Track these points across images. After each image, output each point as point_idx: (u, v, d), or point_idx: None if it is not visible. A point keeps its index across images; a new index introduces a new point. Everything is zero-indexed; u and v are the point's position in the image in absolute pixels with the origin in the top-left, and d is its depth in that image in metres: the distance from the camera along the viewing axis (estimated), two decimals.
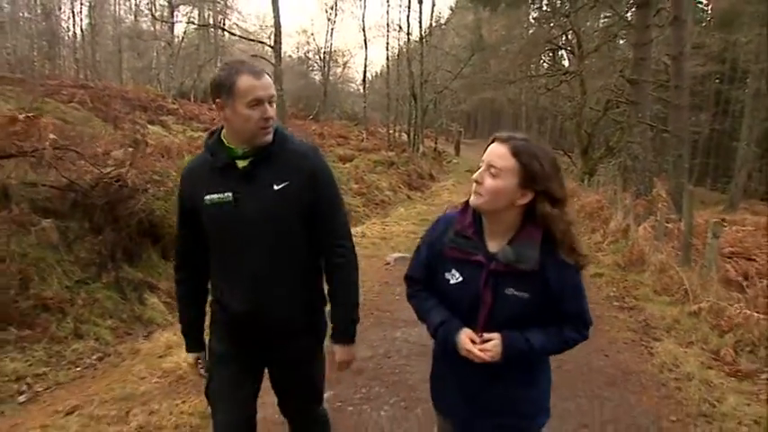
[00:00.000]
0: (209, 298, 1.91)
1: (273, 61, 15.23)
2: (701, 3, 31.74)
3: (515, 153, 1.46)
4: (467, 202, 1.59)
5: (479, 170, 1.51)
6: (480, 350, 1.50)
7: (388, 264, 6.56)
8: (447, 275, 1.58)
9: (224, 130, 1.76)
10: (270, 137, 1.72)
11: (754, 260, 5.49)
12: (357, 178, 14.38)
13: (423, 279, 1.69)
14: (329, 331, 1.85)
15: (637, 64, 12.83)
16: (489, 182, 1.48)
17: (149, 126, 15.28)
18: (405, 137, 26.73)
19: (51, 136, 4.74)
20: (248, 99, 1.65)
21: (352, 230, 6.78)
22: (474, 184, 1.52)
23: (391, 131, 26.26)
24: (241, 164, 1.72)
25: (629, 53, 14.79)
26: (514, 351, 1.50)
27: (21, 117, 4.88)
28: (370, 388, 3.31)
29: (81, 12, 34.60)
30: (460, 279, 1.56)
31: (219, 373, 1.83)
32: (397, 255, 6.90)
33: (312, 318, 1.85)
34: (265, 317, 1.75)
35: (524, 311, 1.51)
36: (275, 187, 1.70)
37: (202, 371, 1.92)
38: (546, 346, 1.54)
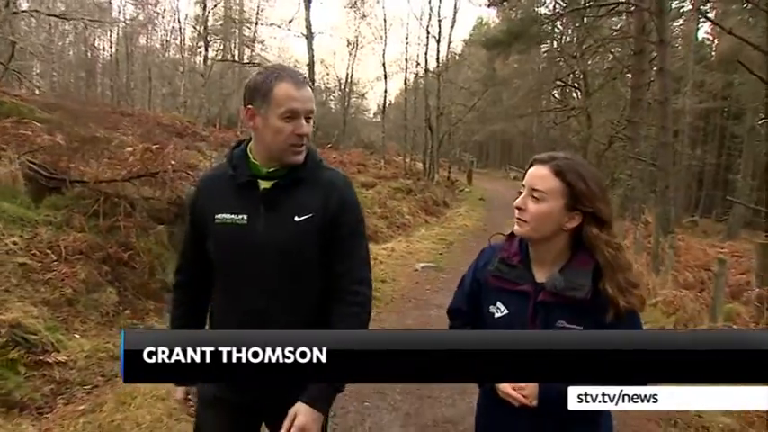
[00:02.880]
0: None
1: None
2: (708, 41, 33.40)
3: (558, 173, 1.36)
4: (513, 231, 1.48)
5: (520, 196, 1.42)
6: (516, 390, 1.37)
7: (417, 270, 8.00)
8: (491, 309, 1.46)
9: (252, 143, 1.59)
10: (301, 157, 1.53)
11: (711, 270, 6.85)
12: (380, 203, 15.84)
13: (466, 312, 1.57)
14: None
15: (633, 104, 14.42)
16: (533, 207, 1.37)
17: (186, 151, 16.97)
18: (420, 165, 28.29)
19: (172, 162, 6.27)
20: (283, 109, 1.47)
21: (382, 247, 8.38)
22: (516, 211, 1.41)
23: (408, 160, 27.88)
24: (263, 185, 1.54)
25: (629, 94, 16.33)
26: (552, 392, 1.29)
27: (153, 147, 6.44)
28: None
29: (116, 42, 37.00)
30: (506, 312, 1.43)
31: (206, 421, 1.66)
32: (423, 264, 8.36)
33: None
34: None
35: None
36: (296, 219, 1.51)
37: (193, 407, 1.69)
38: None
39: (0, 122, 7.08)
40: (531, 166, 1.44)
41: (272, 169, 1.55)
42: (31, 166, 6.88)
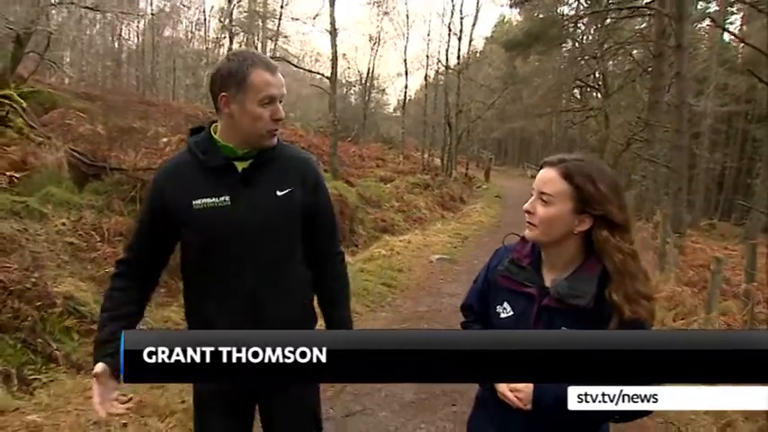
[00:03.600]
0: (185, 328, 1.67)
1: (330, 91, 17.29)
2: (734, 44, 33.05)
3: (566, 175, 1.35)
4: None
5: (530, 199, 1.41)
6: (513, 391, 1.38)
7: (432, 262, 8.37)
8: (498, 309, 1.47)
9: (218, 128, 1.60)
10: (275, 140, 1.59)
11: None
12: (398, 197, 16.20)
13: (478, 310, 1.59)
14: None
15: (651, 106, 14.57)
16: (542, 210, 1.37)
17: None
18: (438, 161, 28.56)
19: None
20: (261, 96, 1.51)
21: (398, 239, 8.81)
22: (526, 215, 1.41)
23: (426, 156, 28.17)
24: (240, 165, 1.58)
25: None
26: (547, 396, 1.32)
27: (174, 139, 6.88)
28: (428, 327, 5.11)
29: (142, 32, 37.69)
30: (511, 313, 1.44)
31: (209, 421, 1.69)
32: (437, 256, 8.72)
33: None
34: None
35: None
36: (278, 193, 1.58)
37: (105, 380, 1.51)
38: None
39: (48, 113, 7.57)
40: (540, 168, 1.42)
41: (246, 150, 1.58)
42: (74, 153, 7.39)
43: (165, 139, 7.11)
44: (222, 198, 1.54)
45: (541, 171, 1.41)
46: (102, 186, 7.00)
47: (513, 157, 56.14)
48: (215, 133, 1.60)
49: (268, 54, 32.61)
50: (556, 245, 1.39)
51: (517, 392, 1.37)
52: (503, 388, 1.39)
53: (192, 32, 39.78)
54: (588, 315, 1.31)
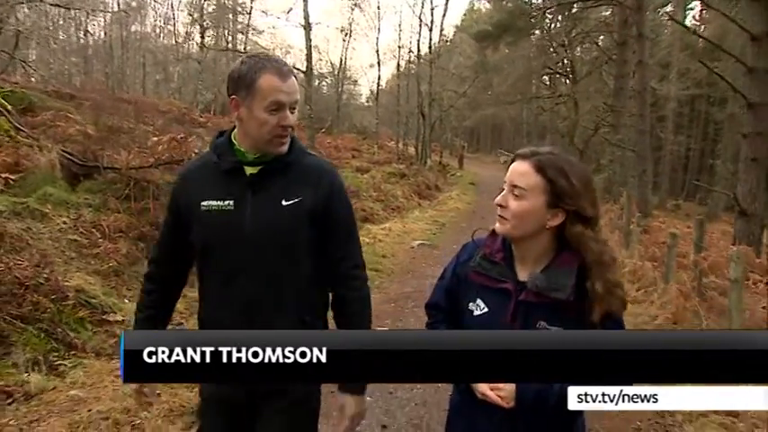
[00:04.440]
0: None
1: (305, 85, 17.54)
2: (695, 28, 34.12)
3: (539, 168, 1.34)
4: None
5: (502, 193, 1.40)
6: (493, 390, 1.35)
7: (413, 247, 8.83)
8: (471, 306, 1.44)
9: (235, 131, 1.60)
10: (285, 147, 1.55)
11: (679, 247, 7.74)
12: (375, 187, 16.59)
13: (445, 308, 1.56)
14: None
15: (617, 92, 15.23)
16: (514, 204, 1.35)
17: (208, 139, 17.64)
18: (412, 150, 28.99)
19: (195, 150, 7.00)
20: (268, 101, 1.48)
21: (379, 227, 9.27)
22: (498, 209, 1.39)
23: (400, 145, 28.58)
24: (249, 170, 1.56)
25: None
26: (529, 393, 1.32)
27: (178, 137, 7.16)
28: (415, 306, 5.55)
29: (108, 27, 37.10)
30: (486, 310, 1.41)
31: (208, 419, 1.70)
32: (418, 242, 9.19)
33: None
34: None
35: None
36: (284, 202, 1.53)
37: (147, 397, 1.71)
38: (568, 392, 1.25)
39: (40, 116, 7.76)
40: (513, 161, 1.41)
41: (258, 155, 1.55)
42: (64, 154, 7.60)
43: (155, 138, 7.37)
44: (227, 202, 1.54)
45: (514, 164, 1.39)
46: (96, 185, 7.24)
47: (485, 144, 56.96)
48: (234, 137, 1.60)
49: (239, 47, 32.58)
50: (528, 239, 1.38)
51: (498, 391, 1.34)
52: (483, 387, 1.36)
53: (160, 27, 39.27)
54: (568, 307, 1.31)
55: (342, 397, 1.59)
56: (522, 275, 1.39)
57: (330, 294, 1.68)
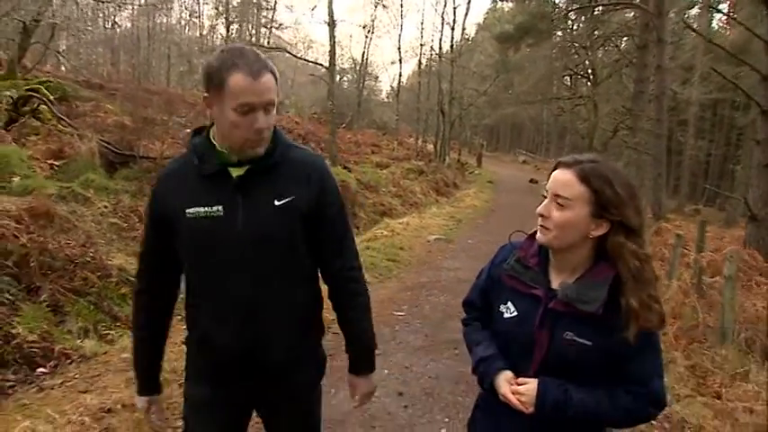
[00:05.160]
0: (184, 336, 1.64)
1: (328, 81, 17.92)
2: (722, 31, 33.75)
3: (583, 178, 1.30)
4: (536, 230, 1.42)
5: (544, 202, 1.36)
6: (514, 394, 1.35)
7: (429, 241, 9.16)
8: (501, 308, 1.44)
9: (213, 129, 1.50)
10: (261, 149, 1.44)
11: (686, 248, 7.96)
12: (394, 183, 16.95)
13: (479, 306, 1.58)
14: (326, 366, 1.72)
15: (636, 96, 15.32)
16: (557, 214, 1.32)
17: None
18: (430, 147, 29.25)
19: None
20: (236, 103, 1.36)
21: (397, 221, 9.67)
22: (539, 218, 1.36)
23: (419, 142, 28.87)
24: (235, 172, 1.46)
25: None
26: (549, 400, 1.31)
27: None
28: (430, 294, 5.89)
29: (135, 19, 37.86)
30: (515, 314, 1.41)
31: (200, 423, 1.62)
32: (434, 236, 9.51)
33: (312, 351, 1.66)
34: (261, 353, 1.52)
35: (586, 363, 1.31)
36: (276, 203, 1.46)
37: (156, 419, 1.67)
38: (587, 403, 1.31)
39: (76, 106, 8.23)
40: (554, 169, 1.37)
41: (241, 156, 1.45)
42: (103, 143, 8.08)
43: (188, 130, 7.78)
44: (215, 208, 1.44)
45: (556, 172, 1.35)
46: (132, 173, 7.71)
47: (504, 143, 56.92)
48: (213, 136, 1.49)
49: (263, 41, 33.06)
50: (568, 248, 1.35)
51: (519, 395, 1.34)
52: (505, 390, 1.37)
53: (185, 19, 39.99)
54: (596, 322, 1.29)
55: (352, 379, 1.69)
56: (556, 283, 1.38)
57: (329, 294, 1.65)
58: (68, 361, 3.79)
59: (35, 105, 8.77)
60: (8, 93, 8.59)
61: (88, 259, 5.14)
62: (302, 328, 1.59)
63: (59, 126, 8.74)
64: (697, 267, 5.30)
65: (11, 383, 3.43)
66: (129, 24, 38.57)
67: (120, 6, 21.71)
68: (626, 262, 1.27)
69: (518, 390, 1.35)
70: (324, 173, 1.56)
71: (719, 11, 23.73)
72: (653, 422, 2.91)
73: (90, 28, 28.78)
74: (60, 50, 28.43)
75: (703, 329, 4.38)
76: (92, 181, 6.85)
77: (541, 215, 1.35)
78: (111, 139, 8.34)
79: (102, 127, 8.44)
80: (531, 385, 1.33)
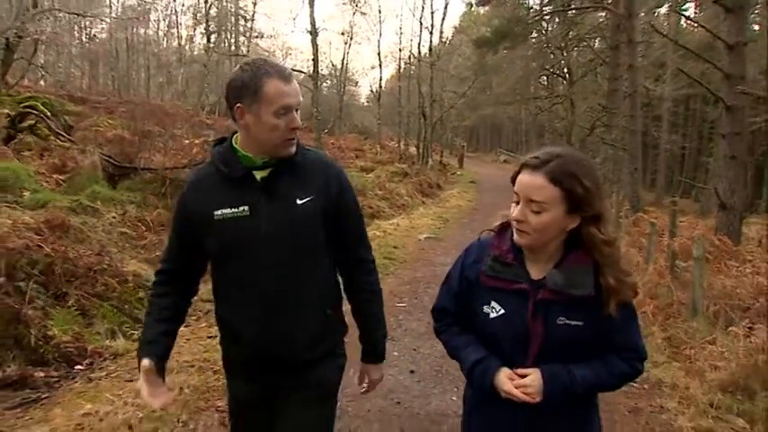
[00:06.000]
0: (217, 336, 1.73)
1: (312, 88, 18.28)
2: (691, 29, 34.76)
3: (554, 180, 1.34)
4: (503, 224, 1.48)
5: (517, 207, 1.39)
6: (518, 388, 1.38)
7: (420, 240, 9.59)
8: (485, 309, 1.45)
9: (237, 138, 1.62)
10: (293, 149, 1.58)
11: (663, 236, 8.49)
12: (380, 186, 17.33)
13: (453, 311, 1.57)
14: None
15: (610, 94, 15.94)
16: (534, 219, 1.35)
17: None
18: (413, 150, 29.69)
19: None
20: (276, 106, 1.50)
21: (387, 223, 10.12)
22: (515, 223, 1.40)
23: (402, 145, 29.31)
24: (259, 174, 1.58)
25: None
26: (556, 386, 1.37)
27: (197, 141, 7.91)
28: (428, 287, 6.28)
29: (112, 31, 37.78)
30: (502, 312, 1.42)
31: (240, 415, 1.76)
32: (425, 235, 9.95)
33: (333, 349, 1.73)
34: (284, 349, 1.61)
35: (578, 340, 1.39)
36: (299, 201, 1.57)
37: (150, 385, 1.57)
38: (589, 378, 1.40)
39: (84, 123, 8.49)
40: (519, 171, 1.40)
41: (266, 159, 1.58)
42: (103, 156, 8.37)
43: (187, 141, 8.11)
44: (241, 208, 1.56)
45: (524, 175, 1.38)
46: (134, 184, 8.00)
47: (484, 143, 57.69)
48: (236, 143, 1.62)
49: (243, 51, 33.26)
50: (545, 243, 1.40)
51: (525, 388, 1.38)
52: (508, 387, 1.39)
53: (163, 30, 40.00)
54: (583, 302, 1.37)
55: (365, 366, 1.83)
56: (534, 274, 1.42)
57: (344, 287, 1.78)
58: (101, 358, 4.12)
59: (33, 122, 9.01)
60: (6, 110, 8.82)
61: (105, 267, 5.44)
62: (322, 324, 1.66)
63: (58, 141, 8.99)
64: (670, 251, 5.80)
65: (55, 379, 3.76)
66: (104, 35, 38.47)
67: (101, 20, 21.87)
68: (600, 249, 1.37)
69: (522, 382, 1.38)
70: (340, 173, 1.70)
71: (683, 14, 24.52)
72: (633, 384, 3.35)
73: (69, 41, 28.81)
74: (40, 65, 28.41)
75: (677, 306, 4.85)
76: (98, 193, 7.14)
77: (518, 221, 1.39)
78: (110, 152, 8.62)
79: (101, 140, 8.71)
80: (533, 375, 1.38)
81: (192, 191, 1.64)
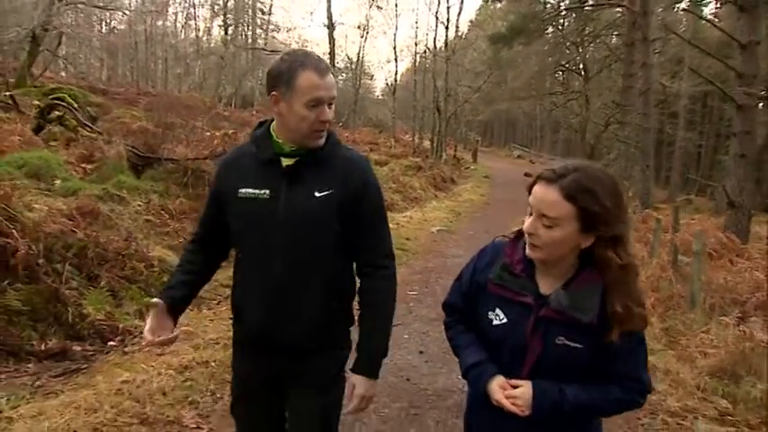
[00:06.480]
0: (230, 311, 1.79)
1: None
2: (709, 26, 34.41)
3: (569, 196, 1.27)
4: (518, 232, 1.44)
5: (530, 219, 1.35)
6: (509, 398, 1.37)
7: (433, 232, 9.84)
8: (490, 315, 1.44)
9: (274, 123, 1.67)
10: (322, 141, 1.62)
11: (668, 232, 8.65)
12: (394, 179, 17.58)
13: (461, 309, 1.58)
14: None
15: (624, 91, 16.00)
16: (546, 234, 1.31)
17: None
18: (426, 144, 29.84)
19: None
20: (308, 98, 1.53)
21: (401, 215, 10.42)
22: (527, 236, 1.36)
23: (416, 139, 29.49)
24: (286, 162, 1.63)
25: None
26: (545, 402, 1.35)
27: (218, 134, 8.21)
28: (439, 277, 6.52)
29: (132, 23, 38.30)
30: (505, 321, 1.41)
31: (242, 393, 1.79)
32: (437, 228, 10.20)
33: (335, 341, 1.74)
34: (282, 333, 1.64)
35: (576, 362, 1.35)
36: (317, 194, 1.60)
37: (160, 314, 1.65)
38: (582, 400, 1.35)
39: (110, 115, 8.83)
40: (534, 182, 1.35)
41: (294, 148, 1.62)
42: (128, 147, 8.70)
43: (208, 133, 8.41)
44: (263, 191, 1.61)
45: (538, 188, 1.33)
46: (157, 174, 8.32)
47: (499, 138, 57.61)
48: (273, 128, 1.67)
49: (260, 43, 33.58)
50: (558, 259, 1.36)
51: (515, 399, 1.37)
52: (498, 396, 1.38)
53: (182, 22, 40.46)
54: (588, 327, 1.32)
55: (354, 377, 1.69)
56: (544, 288, 1.39)
57: (358, 288, 1.74)
58: (132, 336, 4.43)
59: (61, 113, 9.37)
60: (37, 101, 9.18)
61: (132, 251, 5.76)
62: (325, 317, 1.65)
63: (84, 132, 9.35)
64: (672, 246, 5.99)
65: (91, 353, 4.08)
66: (123, 27, 39.00)
67: (123, 14, 22.32)
68: (612, 272, 1.30)
69: (512, 393, 1.37)
70: (366, 171, 1.69)
71: (696, 13, 24.35)
72: None
73: (92, 34, 29.37)
74: (62, 57, 29.00)
75: (677, 299, 5.06)
76: (123, 182, 7.46)
77: (530, 234, 1.35)
78: (134, 143, 8.95)
79: (126, 132, 9.05)
80: (525, 388, 1.36)
81: (225, 166, 1.75)
